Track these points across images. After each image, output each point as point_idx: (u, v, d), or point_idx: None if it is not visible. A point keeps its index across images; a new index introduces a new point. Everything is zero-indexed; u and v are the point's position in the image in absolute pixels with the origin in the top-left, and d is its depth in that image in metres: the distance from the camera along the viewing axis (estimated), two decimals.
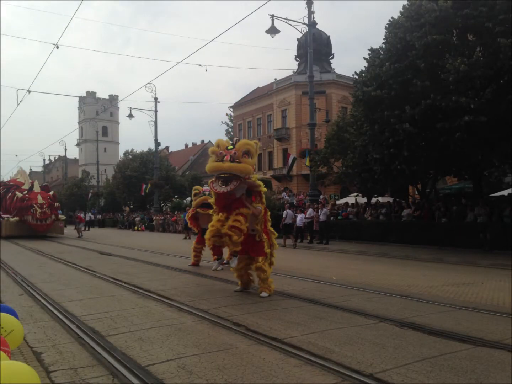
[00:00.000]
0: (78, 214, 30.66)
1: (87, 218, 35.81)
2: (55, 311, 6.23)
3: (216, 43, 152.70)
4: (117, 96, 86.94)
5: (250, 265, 7.44)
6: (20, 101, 25.46)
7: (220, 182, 6.92)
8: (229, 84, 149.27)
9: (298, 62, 45.13)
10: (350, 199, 25.12)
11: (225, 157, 6.88)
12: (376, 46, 17.24)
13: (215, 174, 7.08)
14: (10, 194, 26.62)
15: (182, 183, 46.86)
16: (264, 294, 7.15)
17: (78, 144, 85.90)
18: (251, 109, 48.73)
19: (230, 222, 6.81)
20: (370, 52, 17.28)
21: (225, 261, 10.84)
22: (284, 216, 17.96)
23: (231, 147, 7.06)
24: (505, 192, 18.71)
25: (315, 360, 4.09)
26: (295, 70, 44.49)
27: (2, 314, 3.94)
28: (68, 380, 3.70)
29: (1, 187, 28.82)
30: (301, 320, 5.60)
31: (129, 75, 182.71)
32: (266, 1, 14.83)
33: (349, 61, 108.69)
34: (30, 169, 72.07)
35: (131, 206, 49.20)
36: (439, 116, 13.92)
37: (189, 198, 31.17)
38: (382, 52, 16.63)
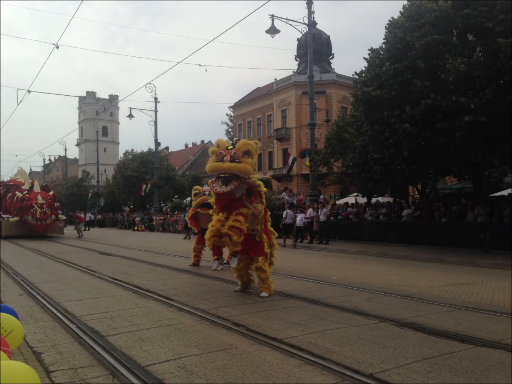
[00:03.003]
0: (78, 214, 30.70)
1: (87, 218, 35.80)
2: (55, 311, 6.23)
3: (216, 43, 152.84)
4: (117, 96, 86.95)
5: (250, 265, 7.44)
6: (20, 101, 25.52)
7: (220, 182, 6.93)
8: (229, 84, 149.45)
9: (298, 62, 45.14)
10: (350, 199, 25.11)
11: (225, 157, 6.88)
12: (376, 46, 17.28)
13: (215, 174, 7.09)
14: (10, 194, 26.59)
15: (182, 183, 46.88)
16: (264, 294, 7.15)
17: (78, 144, 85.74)
18: (251, 109, 48.73)
19: (230, 222, 6.81)
20: (370, 52, 17.29)
21: (225, 261, 10.83)
22: (284, 216, 17.98)
23: (231, 147, 7.06)
24: (505, 192, 18.71)
25: (315, 360, 4.09)
26: (295, 70, 44.49)
27: (2, 314, 3.93)
28: (68, 380, 3.70)
29: (1, 187, 28.78)
30: (301, 320, 5.60)
31: (129, 75, 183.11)
32: (266, 1, 14.84)
33: (349, 61, 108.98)
34: (30, 169, 72.17)
35: (131, 206, 49.20)
36: (439, 116, 13.91)
37: (189, 198, 31.20)
38: (382, 52, 16.64)
